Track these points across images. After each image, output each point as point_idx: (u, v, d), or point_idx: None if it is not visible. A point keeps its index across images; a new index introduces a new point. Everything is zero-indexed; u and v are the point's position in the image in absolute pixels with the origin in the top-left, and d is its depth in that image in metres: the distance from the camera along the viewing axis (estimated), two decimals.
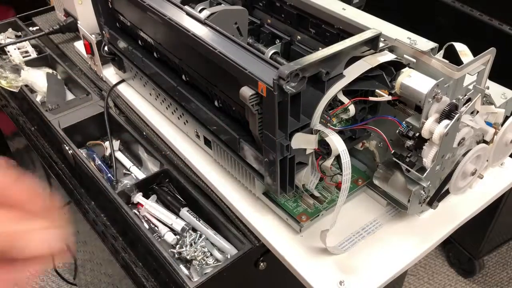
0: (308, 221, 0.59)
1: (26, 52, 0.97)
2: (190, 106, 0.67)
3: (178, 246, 0.63)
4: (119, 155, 0.79)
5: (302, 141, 0.51)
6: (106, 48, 0.84)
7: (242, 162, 0.60)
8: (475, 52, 0.55)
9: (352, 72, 0.52)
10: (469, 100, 0.55)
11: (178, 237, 0.64)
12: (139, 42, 0.76)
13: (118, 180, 0.73)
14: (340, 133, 0.56)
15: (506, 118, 0.58)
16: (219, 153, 0.65)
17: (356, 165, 0.66)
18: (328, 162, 0.55)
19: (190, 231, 0.64)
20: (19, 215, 0.30)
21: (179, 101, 0.69)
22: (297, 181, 0.56)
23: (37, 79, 0.88)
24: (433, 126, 0.50)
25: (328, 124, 0.53)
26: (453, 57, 0.55)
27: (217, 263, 0.61)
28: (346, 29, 0.59)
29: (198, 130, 0.69)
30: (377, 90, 0.56)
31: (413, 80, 0.52)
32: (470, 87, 0.55)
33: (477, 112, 0.56)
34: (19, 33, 1.04)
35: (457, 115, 0.50)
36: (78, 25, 0.92)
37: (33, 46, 0.99)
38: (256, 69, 0.49)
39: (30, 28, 1.05)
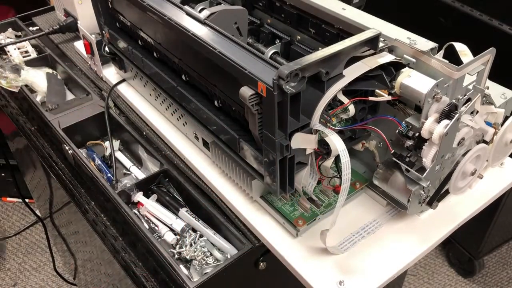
0: (304, 225, 0.59)
1: (26, 52, 0.97)
2: (190, 106, 0.67)
3: (178, 246, 0.63)
4: (119, 155, 0.79)
5: (302, 141, 0.51)
6: (106, 48, 0.84)
7: (241, 162, 0.60)
8: (475, 52, 0.55)
9: (351, 73, 0.52)
10: (468, 100, 0.55)
11: (178, 237, 0.64)
12: (139, 42, 0.76)
13: (118, 180, 0.73)
14: (340, 133, 0.56)
15: (506, 118, 0.58)
16: (217, 156, 0.65)
17: (354, 167, 0.66)
18: (328, 162, 0.55)
19: (190, 231, 0.64)
20: None
21: (179, 101, 0.69)
22: (296, 184, 0.56)
23: (37, 79, 0.88)
24: (432, 126, 0.50)
25: (328, 124, 0.53)
26: (453, 57, 0.55)
27: (217, 263, 0.61)
28: (346, 29, 0.59)
29: (196, 132, 0.69)
30: (377, 90, 0.56)
31: (412, 80, 0.52)
32: (470, 87, 0.55)
33: (477, 112, 0.56)
34: (19, 33, 1.04)
35: (456, 115, 0.50)
36: (78, 25, 0.92)
37: (33, 46, 0.99)
38: (256, 69, 0.49)
39: (30, 28, 1.05)
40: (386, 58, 0.54)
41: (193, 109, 0.66)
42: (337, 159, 0.56)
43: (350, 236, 0.59)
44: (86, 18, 0.91)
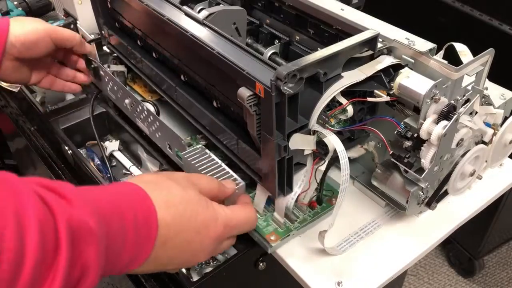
0: (278, 241, 0.57)
1: None
2: (188, 106, 0.67)
3: None
4: (119, 155, 0.79)
5: (300, 142, 0.51)
6: (106, 48, 0.84)
7: (240, 163, 0.60)
8: (475, 52, 0.55)
9: (348, 79, 0.52)
10: (467, 101, 0.55)
11: None
12: (138, 42, 0.76)
13: (117, 180, 0.73)
14: (338, 134, 0.56)
15: (505, 119, 0.58)
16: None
17: (330, 182, 0.63)
18: (324, 166, 0.55)
19: None
20: None
21: (177, 101, 0.69)
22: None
23: None
24: (431, 127, 0.50)
25: (326, 125, 0.53)
26: (453, 58, 0.55)
27: (216, 263, 0.61)
28: (345, 30, 0.59)
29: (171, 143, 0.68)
30: (375, 91, 0.56)
31: (411, 80, 0.52)
32: (469, 87, 0.55)
33: (476, 113, 0.56)
34: None
35: (455, 116, 0.49)
36: (78, 25, 0.92)
37: None
38: (254, 70, 0.49)
39: None
40: (384, 63, 0.54)
41: (191, 109, 0.66)
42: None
43: (349, 237, 0.59)
44: (86, 18, 0.91)
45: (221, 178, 0.58)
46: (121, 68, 0.81)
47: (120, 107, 0.78)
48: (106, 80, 0.78)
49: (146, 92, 0.80)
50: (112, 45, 0.82)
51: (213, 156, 0.61)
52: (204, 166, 0.60)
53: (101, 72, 0.78)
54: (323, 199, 0.61)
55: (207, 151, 0.62)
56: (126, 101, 0.73)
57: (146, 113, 0.69)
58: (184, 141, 0.63)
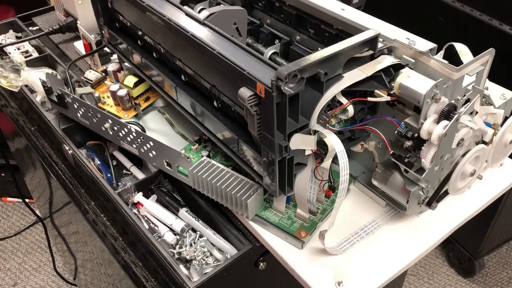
0: (307, 236, 0.58)
1: (26, 52, 0.97)
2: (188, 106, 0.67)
3: (178, 246, 0.63)
4: (119, 155, 0.79)
5: (301, 142, 0.51)
6: (106, 48, 0.84)
7: (242, 163, 0.60)
8: (475, 52, 0.55)
9: (348, 78, 0.52)
10: (468, 100, 0.55)
11: (178, 237, 0.64)
12: (139, 42, 0.76)
13: (118, 180, 0.73)
14: (339, 133, 0.57)
15: (505, 119, 0.58)
16: (201, 183, 0.63)
17: (336, 169, 0.62)
18: (327, 164, 0.55)
19: (189, 231, 0.64)
20: None
21: (178, 102, 0.69)
22: (297, 190, 0.55)
23: (37, 79, 0.88)
24: (431, 127, 0.50)
25: (327, 125, 0.53)
26: (453, 58, 0.55)
27: (217, 263, 0.61)
28: (345, 30, 0.59)
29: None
30: (376, 91, 0.56)
31: (411, 80, 0.52)
32: (469, 87, 0.55)
33: (476, 112, 0.56)
34: (19, 34, 1.04)
35: (456, 116, 0.50)
36: (78, 25, 0.92)
37: (33, 46, 0.99)
38: (255, 70, 0.49)
39: (30, 28, 1.05)
40: (384, 63, 0.54)
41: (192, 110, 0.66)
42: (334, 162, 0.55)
43: (349, 236, 0.59)
44: (86, 18, 0.91)
45: (232, 185, 0.59)
46: (88, 89, 0.77)
47: (97, 132, 0.73)
48: (76, 106, 0.72)
49: (120, 110, 0.78)
50: (112, 45, 0.82)
51: (219, 164, 0.62)
52: (212, 176, 0.61)
53: (68, 99, 0.72)
54: (336, 185, 0.62)
55: (213, 161, 0.62)
56: (106, 125, 0.70)
57: (134, 134, 0.67)
58: (183, 155, 0.61)
